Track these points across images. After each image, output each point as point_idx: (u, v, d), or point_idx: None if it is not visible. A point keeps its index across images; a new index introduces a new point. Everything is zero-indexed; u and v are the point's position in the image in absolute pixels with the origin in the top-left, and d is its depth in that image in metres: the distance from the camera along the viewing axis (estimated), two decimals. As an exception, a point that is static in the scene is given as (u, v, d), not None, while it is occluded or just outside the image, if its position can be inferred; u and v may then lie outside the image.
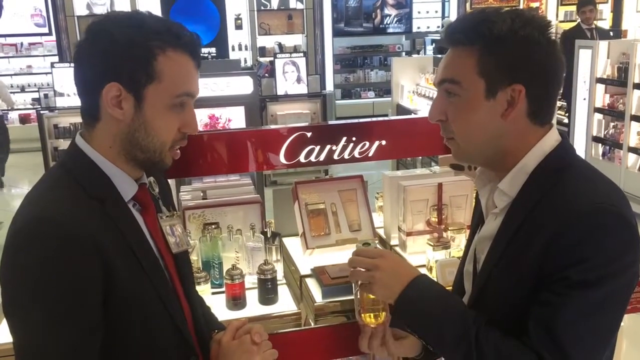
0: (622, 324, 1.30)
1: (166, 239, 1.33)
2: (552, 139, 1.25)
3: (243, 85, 4.79)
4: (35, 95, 9.20)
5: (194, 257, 2.07)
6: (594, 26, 7.38)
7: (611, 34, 7.90)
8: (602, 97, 6.73)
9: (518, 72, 1.19)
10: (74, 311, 1.10)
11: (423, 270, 2.14)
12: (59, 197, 1.16)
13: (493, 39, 1.18)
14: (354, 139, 1.97)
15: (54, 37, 10.50)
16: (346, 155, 1.98)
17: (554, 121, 1.91)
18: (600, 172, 1.24)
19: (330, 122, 2.08)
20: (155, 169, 1.32)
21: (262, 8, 11.12)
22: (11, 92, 9.76)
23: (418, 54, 11.38)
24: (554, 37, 1.21)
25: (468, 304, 1.33)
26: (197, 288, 1.90)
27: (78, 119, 1.61)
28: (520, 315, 1.19)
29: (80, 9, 10.30)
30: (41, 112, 7.35)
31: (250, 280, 2.07)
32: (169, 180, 2.72)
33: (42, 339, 1.09)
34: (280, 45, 10.98)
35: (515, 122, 1.21)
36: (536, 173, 1.23)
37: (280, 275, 2.12)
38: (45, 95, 7.71)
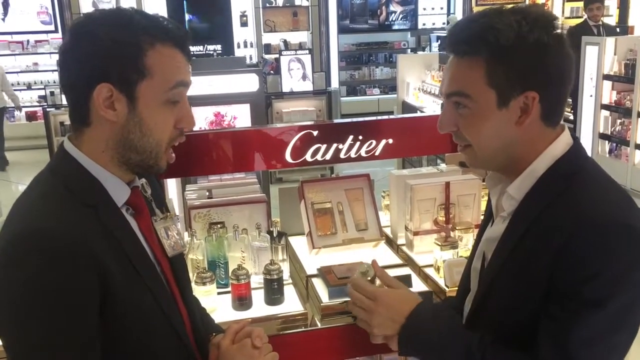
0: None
1: (161, 243, 1.30)
2: (563, 142, 1.21)
3: (248, 82, 4.78)
4: (42, 92, 9.23)
5: (199, 257, 2.06)
6: (600, 23, 7.34)
7: (618, 30, 7.85)
8: (608, 94, 6.70)
9: (530, 79, 1.14)
10: (72, 325, 1.06)
11: (430, 270, 2.13)
12: (50, 207, 1.11)
13: (500, 47, 1.12)
14: (360, 137, 1.95)
15: (60, 35, 10.51)
16: (353, 154, 1.96)
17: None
18: (611, 179, 1.21)
19: (336, 121, 2.05)
20: (150, 173, 1.28)
21: (268, 5, 11.10)
22: (17, 90, 9.80)
23: (423, 50, 11.35)
24: (561, 33, 1.15)
25: (473, 303, 1.32)
26: (203, 288, 1.90)
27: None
28: (526, 320, 1.17)
29: (86, 7, 10.29)
30: (47, 109, 7.40)
31: (256, 280, 2.06)
32: (175, 179, 2.72)
33: (40, 356, 1.05)
34: (285, 42, 10.95)
35: (529, 127, 1.18)
36: (545, 178, 1.19)
37: (286, 275, 2.10)
38: (52, 93, 7.76)
